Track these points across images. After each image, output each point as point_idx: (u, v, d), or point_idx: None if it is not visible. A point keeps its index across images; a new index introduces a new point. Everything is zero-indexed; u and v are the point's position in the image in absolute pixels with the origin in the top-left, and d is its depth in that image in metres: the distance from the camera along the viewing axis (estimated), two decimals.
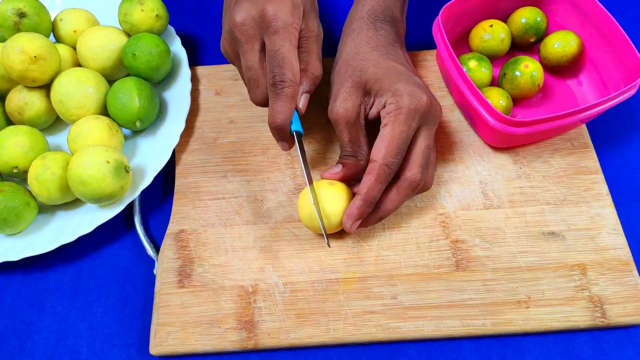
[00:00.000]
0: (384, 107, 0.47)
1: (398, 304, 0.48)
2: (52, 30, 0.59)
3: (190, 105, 0.57)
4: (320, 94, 0.55)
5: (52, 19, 0.60)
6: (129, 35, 0.60)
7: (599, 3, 0.54)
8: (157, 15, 0.59)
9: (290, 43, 0.45)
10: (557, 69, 0.59)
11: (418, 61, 0.61)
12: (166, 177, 0.57)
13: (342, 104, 0.48)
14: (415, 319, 0.47)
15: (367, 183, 0.45)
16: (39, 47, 0.52)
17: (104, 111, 0.56)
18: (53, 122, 0.58)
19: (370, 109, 0.48)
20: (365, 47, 0.50)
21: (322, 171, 0.49)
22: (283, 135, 0.48)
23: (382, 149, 0.45)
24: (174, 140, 0.55)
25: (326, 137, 0.56)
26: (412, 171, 0.47)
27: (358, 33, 0.51)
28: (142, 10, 0.58)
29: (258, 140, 0.57)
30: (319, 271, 0.49)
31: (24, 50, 0.52)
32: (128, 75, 0.59)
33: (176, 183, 0.55)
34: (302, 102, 0.48)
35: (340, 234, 0.51)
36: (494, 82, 0.59)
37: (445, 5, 0.54)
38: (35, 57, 0.52)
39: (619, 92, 0.50)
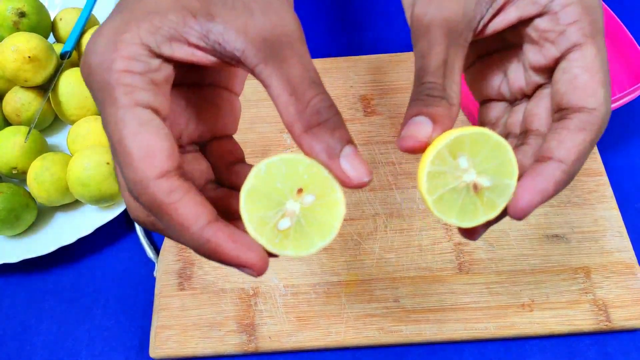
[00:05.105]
0: (546, 11, 0.28)
1: (400, 307, 0.47)
2: (51, 29, 0.59)
3: None
4: None
5: (52, 19, 0.59)
6: None
7: (603, 3, 0.54)
8: None
9: None
10: None
11: None
12: None
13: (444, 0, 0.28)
14: (417, 322, 0.46)
15: (579, 142, 0.27)
16: (34, 47, 0.52)
17: None
18: (52, 122, 0.58)
19: (498, 12, 0.29)
20: None
21: (401, 132, 0.28)
22: None
23: (598, 85, 0.27)
24: None
25: None
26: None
27: None
28: None
29: (259, 141, 0.56)
30: (320, 273, 0.49)
31: (19, 49, 0.52)
32: None
33: None
34: None
35: (340, 235, 0.50)
36: None
37: None
38: (29, 57, 0.52)
39: (624, 93, 0.49)
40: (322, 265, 0.49)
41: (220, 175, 0.32)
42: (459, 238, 0.50)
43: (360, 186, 0.26)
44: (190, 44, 0.26)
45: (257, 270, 0.26)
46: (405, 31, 0.55)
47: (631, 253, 0.49)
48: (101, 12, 0.62)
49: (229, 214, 0.29)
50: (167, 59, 0.26)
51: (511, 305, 0.47)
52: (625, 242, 0.50)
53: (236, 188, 0.30)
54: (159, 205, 0.25)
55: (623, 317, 0.46)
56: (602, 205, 0.51)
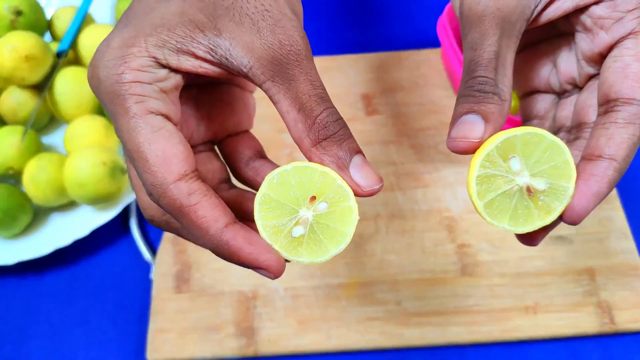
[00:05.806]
0: None
1: (402, 310, 0.46)
2: (48, 28, 0.59)
3: None
4: None
5: (49, 17, 0.59)
6: None
7: None
8: None
9: None
10: None
11: (422, 60, 0.60)
12: None
13: None
14: (419, 325, 0.46)
15: (628, 138, 0.26)
16: (31, 46, 0.52)
17: (101, 111, 0.55)
18: (48, 122, 0.58)
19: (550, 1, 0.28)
20: None
21: (451, 132, 0.27)
22: None
23: None
24: None
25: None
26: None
27: None
28: None
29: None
30: (321, 276, 0.48)
31: (15, 48, 0.51)
32: None
33: None
34: None
35: None
36: None
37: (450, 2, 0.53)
38: (26, 56, 0.52)
39: None
40: (322, 267, 0.49)
41: (239, 171, 0.32)
42: (462, 240, 0.49)
43: (371, 194, 0.26)
44: (197, 57, 0.26)
45: (274, 272, 0.27)
46: (406, 29, 0.54)
47: (635, 254, 0.49)
48: (97, 11, 0.61)
49: (242, 215, 0.29)
50: (175, 70, 0.26)
51: (515, 308, 0.46)
52: (629, 243, 0.49)
53: (254, 184, 0.31)
54: (178, 208, 0.25)
55: (627, 319, 0.46)
56: (607, 206, 0.51)
